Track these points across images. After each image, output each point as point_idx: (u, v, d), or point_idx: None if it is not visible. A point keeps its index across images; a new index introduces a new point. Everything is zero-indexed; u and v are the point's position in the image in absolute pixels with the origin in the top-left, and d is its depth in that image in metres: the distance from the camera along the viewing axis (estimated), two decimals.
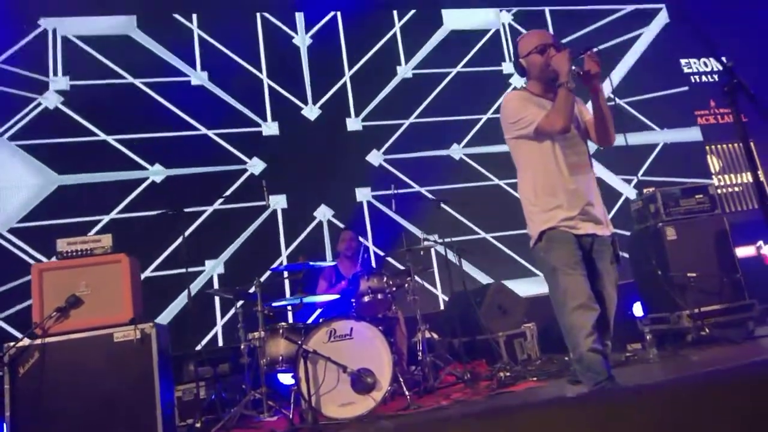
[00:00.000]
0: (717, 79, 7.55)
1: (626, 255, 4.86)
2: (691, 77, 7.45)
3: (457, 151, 5.62)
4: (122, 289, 3.65)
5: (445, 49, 5.87)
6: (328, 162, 5.30)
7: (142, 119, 5.13)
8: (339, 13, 5.67)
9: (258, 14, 5.51)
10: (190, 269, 4.71)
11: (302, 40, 5.46)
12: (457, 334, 4.66)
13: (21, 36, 5.12)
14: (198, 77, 5.30)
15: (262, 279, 3.94)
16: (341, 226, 5.44)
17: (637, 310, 4.91)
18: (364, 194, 5.20)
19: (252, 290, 3.95)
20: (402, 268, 4.73)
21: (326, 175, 5.23)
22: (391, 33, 5.77)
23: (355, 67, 5.50)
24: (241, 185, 5.19)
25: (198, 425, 3.96)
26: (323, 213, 5.10)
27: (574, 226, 2.35)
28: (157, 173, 5.03)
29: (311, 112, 5.23)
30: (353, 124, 5.28)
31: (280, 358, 3.80)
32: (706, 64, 7.58)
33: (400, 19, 5.82)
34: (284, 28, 5.59)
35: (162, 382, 3.57)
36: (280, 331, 3.83)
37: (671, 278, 4.24)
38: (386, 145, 5.37)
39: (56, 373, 3.39)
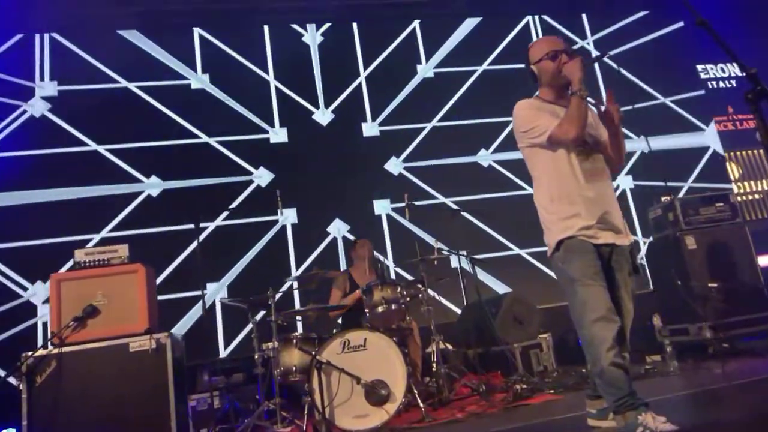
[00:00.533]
0: (735, 85, 7.45)
1: (643, 262, 4.73)
2: (709, 83, 7.35)
3: (485, 158, 5.17)
4: (138, 299, 3.69)
5: (470, 45, 5.38)
6: (342, 171, 4.94)
7: (137, 127, 4.77)
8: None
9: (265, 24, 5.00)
10: (188, 294, 4.38)
11: (312, 37, 4.97)
12: (471, 344, 4.60)
13: (5, 39, 4.77)
14: (199, 80, 4.86)
15: (282, 288, 3.87)
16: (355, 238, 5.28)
17: (656, 320, 4.81)
18: (383, 207, 4.77)
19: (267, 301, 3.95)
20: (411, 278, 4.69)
21: (340, 186, 4.85)
22: (410, 28, 5.22)
23: (371, 67, 5.05)
24: (247, 198, 4.76)
25: None
26: (337, 228, 4.72)
27: (593, 236, 2.30)
28: (153, 186, 4.61)
29: (323, 116, 4.84)
30: (370, 129, 4.88)
31: (294, 368, 3.79)
32: (723, 70, 7.47)
33: None
34: (293, 24, 5.10)
35: (176, 392, 3.59)
36: (294, 341, 3.82)
37: (692, 288, 4.14)
38: (407, 152, 4.96)
39: (72, 382, 3.44)
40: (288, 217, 4.55)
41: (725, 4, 6.34)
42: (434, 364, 4.15)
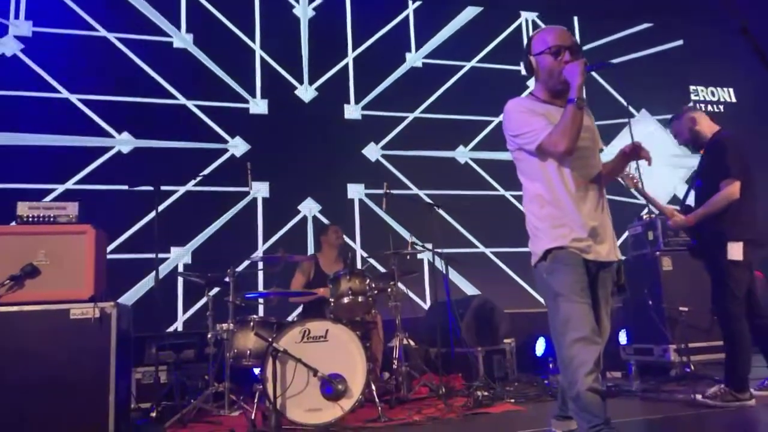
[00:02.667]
0: (722, 110, 7.49)
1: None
2: (698, 105, 7.37)
3: (462, 154, 5.18)
4: (85, 263, 3.39)
5: (462, 39, 5.33)
6: (319, 151, 4.88)
7: (112, 80, 4.58)
8: None
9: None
10: (147, 255, 4.24)
11: (303, 10, 4.83)
12: (435, 344, 4.47)
13: None
14: (182, 39, 4.68)
15: (239, 269, 3.67)
16: (327, 223, 5.11)
17: (621, 337, 4.78)
18: (356, 191, 4.78)
19: (225, 279, 3.72)
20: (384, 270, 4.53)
21: (316, 165, 4.80)
22: (404, 14, 5.12)
23: (360, 48, 4.98)
24: (220, 167, 4.65)
25: (153, 414, 3.73)
26: (309, 207, 4.67)
27: (585, 249, 2.15)
28: (124, 143, 4.46)
29: (306, 92, 4.76)
30: (352, 111, 4.82)
31: (248, 352, 3.59)
32: (713, 93, 7.49)
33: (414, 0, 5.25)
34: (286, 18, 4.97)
35: (119, 365, 3.33)
36: (251, 324, 3.61)
37: (662, 310, 4.09)
38: (386, 140, 4.92)
39: (3, 346, 3.14)
40: (260, 190, 4.46)
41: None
42: (396, 361, 4.01)
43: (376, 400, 3.40)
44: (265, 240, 4.59)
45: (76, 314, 3.29)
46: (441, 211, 4.32)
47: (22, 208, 3.47)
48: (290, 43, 4.78)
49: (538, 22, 6.19)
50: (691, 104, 7.22)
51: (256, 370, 3.80)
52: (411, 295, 4.84)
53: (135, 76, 4.57)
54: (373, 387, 3.45)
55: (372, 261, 4.88)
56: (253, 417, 3.25)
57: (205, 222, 4.49)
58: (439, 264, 4.51)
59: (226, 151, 4.58)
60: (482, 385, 3.84)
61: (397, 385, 3.87)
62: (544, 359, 5.30)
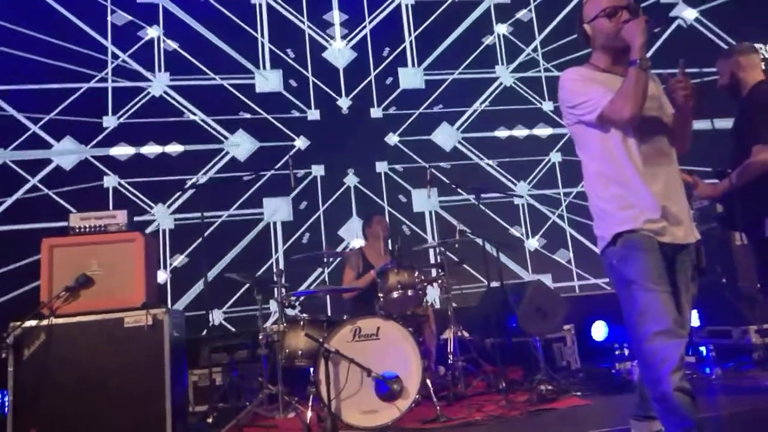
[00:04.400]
0: None
1: None
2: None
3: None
4: (135, 271, 3.40)
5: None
6: (356, 141, 6.70)
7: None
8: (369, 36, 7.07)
9: (307, 35, 6.89)
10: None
11: (340, 62, 7.07)
12: (490, 334, 4.29)
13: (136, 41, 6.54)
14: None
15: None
16: (365, 191, 6.37)
17: (694, 319, 4.45)
18: (382, 167, 6.77)
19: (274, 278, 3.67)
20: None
21: (354, 150, 6.68)
22: (405, 43, 7.32)
23: (378, 69, 7.13)
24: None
25: (210, 420, 3.74)
26: (351, 180, 6.60)
27: (660, 231, 1.92)
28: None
29: (344, 102, 6.85)
30: (376, 112, 6.94)
31: (300, 353, 3.51)
32: None
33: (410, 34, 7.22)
34: (328, 52, 7.00)
35: (174, 370, 3.33)
36: (301, 323, 3.54)
37: (738, 288, 3.76)
38: (400, 130, 6.93)
39: (62, 356, 3.17)
40: (319, 171, 6.55)
41: None
42: (451, 355, 3.86)
43: (433, 398, 3.27)
44: (323, 202, 6.41)
45: (130, 322, 3.29)
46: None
47: (74, 219, 3.50)
48: (332, 72, 6.98)
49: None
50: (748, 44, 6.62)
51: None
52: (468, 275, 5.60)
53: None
54: (429, 384, 3.31)
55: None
56: (308, 420, 3.19)
57: (284, 192, 6.37)
58: (490, 249, 4.32)
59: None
60: (544, 377, 3.62)
61: (453, 381, 3.72)
62: (605, 345, 5.03)
